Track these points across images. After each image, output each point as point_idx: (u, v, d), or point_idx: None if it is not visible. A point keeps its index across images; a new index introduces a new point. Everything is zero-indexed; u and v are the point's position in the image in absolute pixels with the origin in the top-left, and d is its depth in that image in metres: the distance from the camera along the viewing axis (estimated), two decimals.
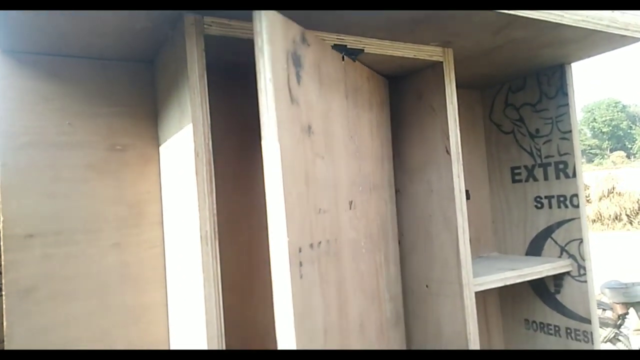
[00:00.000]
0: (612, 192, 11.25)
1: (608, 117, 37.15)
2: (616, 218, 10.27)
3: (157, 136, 0.87)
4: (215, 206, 0.67)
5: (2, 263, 0.74)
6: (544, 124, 1.17)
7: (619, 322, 3.09)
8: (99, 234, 0.81)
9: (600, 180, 11.80)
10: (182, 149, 0.71)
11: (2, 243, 0.74)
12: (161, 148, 0.85)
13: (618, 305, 3.08)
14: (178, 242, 0.78)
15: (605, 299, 3.09)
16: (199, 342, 0.68)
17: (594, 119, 37.58)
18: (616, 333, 3.08)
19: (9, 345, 0.74)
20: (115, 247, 0.82)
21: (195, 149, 0.66)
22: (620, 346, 3.01)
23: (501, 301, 1.32)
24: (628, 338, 3.12)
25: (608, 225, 10.16)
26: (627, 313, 3.10)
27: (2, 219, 0.74)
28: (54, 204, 0.78)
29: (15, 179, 0.75)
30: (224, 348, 0.67)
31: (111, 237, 0.82)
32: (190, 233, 0.69)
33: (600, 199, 11.07)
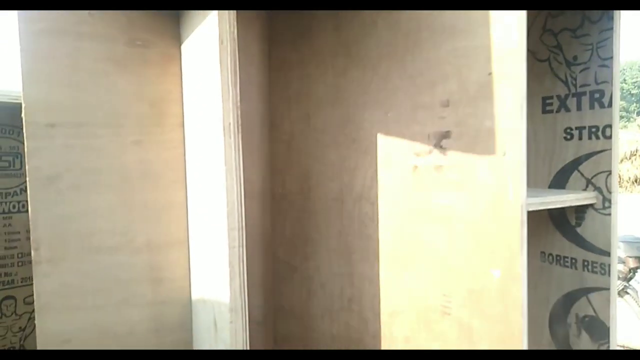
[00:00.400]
0: (635, 155, 10.98)
1: (639, 79, 35.69)
2: (635, 181, 10.09)
3: (178, 36, 0.84)
4: (238, 98, 0.65)
5: (25, 150, 0.74)
6: (583, 51, 1.10)
7: (629, 276, 3.10)
8: (120, 129, 0.80)
9: (623, 142, 11.50)
10: (206, 40, 0.68)
11: (24, 130, 0.74)
12: (182, 47, 0.83)
13: (631, 259, 3.08)
14: (199, 141, 0.77)
15: (620, 252, 3.09)
16: (219, 237, 0.68)
17: (624, 79, 36.16)
18: (625, 286, 3.09)
19: (34, 233, 0.76)
20: (136, 144, 0.82)
21: (219, 35, 0.63)
22: (628, 299, 3.03)
23: None
24: (637, 292, 3.13)
25: (626, 188, 10.01)
26: (638, 267, 3.10)
27: (24, 105, 0.73)
28: (75, 94, 0.77)
29: (35, 66, 0.74)
30: (244, 242, 0.67)
31: (132, 133, 0.81)
32: (213, 126, 0.68)
33: (622, 160, 10.84)
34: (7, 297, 1.33)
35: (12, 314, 1.34)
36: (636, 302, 3.00)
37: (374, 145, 0.77)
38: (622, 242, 3.05)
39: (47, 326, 0.77)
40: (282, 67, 0.79)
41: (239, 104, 0.65)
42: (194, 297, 0.87)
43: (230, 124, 0.65)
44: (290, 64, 0.76)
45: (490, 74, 0.70)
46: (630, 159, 10.77)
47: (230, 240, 0.66)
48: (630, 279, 3.12)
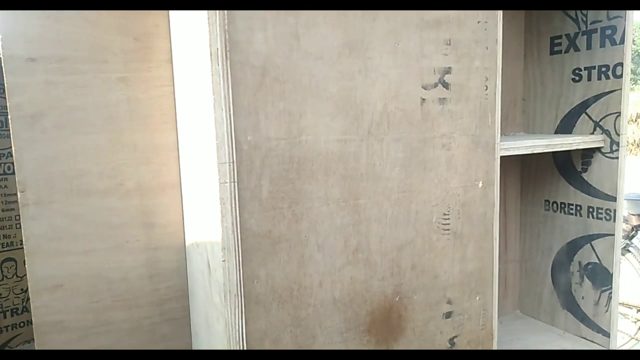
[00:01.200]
0: None
1: None
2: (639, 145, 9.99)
3: None
4: (226, 22, 0.61)
5: (6, 86, 0.70)
6: None
7: (631, 234, 3.09)
8: (105, 65, 0.76)
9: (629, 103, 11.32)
10: None
11: (3, 65, 0.70)
12: None
13: (634, 217, 3.06)
14: (187, 74, 0.73)
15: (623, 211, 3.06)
16: (210, 174, 0.65)
17: (633, 40, 35.40)
18: (627, 244, 3.09)
19: (19, 174, 0.73)
20: (122, 81, 0.78)
21: None
22: (629, 257, 3.03)
23: (522, 184, 1.28)
24: (639, 250, 3.13)
25: (631, 150, 9.92)
26: None
27: (1, 37, 0.69)
28: (56, 27, 0.72)
29: None
30: (236, 177, 0.64)
31: (117, 70, 0.77)
32: (199, 54, 0.64)
33: (628, 123, 10.70)
34: (7, 259, 1.32)
35: (13, 275, 1.33)
36: (638, 260, 3.00)
37: (383, 78, 0.73)
38: (626, 199, 3.03)
39: (37, 270, 0.76)
40: None
41: (227, 27, 0.61)
42: (187, 242, 0.85)
43: (217, 49, 0.60)
44: None
45: (479, 22, 0.81)
46: (635, 121, 10.64)
47: (221, 176, 0.63)
48: (633, 237, 3.11)
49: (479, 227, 0.86)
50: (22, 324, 1.33)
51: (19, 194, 0.73)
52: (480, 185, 0.85)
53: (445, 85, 0.79)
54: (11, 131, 0.72)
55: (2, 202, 1.31)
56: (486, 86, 0.83)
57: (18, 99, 0.71)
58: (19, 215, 1.30)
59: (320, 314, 0.73)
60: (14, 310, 1.34)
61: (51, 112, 0.74)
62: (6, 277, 1.32)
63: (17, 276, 1.34)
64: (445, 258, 0.83)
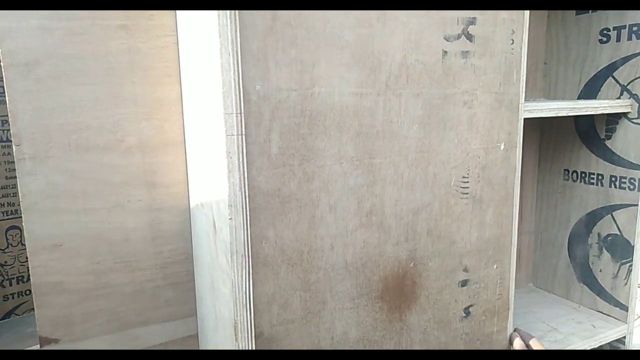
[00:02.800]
0: None
1: None
2: None
3: None
4: None
5: None
6: None
7: None
8: (103, 11, 0.71)
9: None
10: None
11: None
12: None
13: None
14: (192, 21, 0.68)
15: None
16: (216, 126, 0.61)
17: None
18: None
19: (14, 126, 0.68)
20: (122, 28, 0.72)
21: None
22: None
23: (540, 152, 1.23)
24: None
25: None
26: None
27: None
28: None
29: None
30: (244, 130, 0.59)
31: (117, 16, 0.72)
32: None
33: None
34: (11, 227, 1.30)
35: (18, 243, 1.31)
36: None
37: (403, 27, 0.68)
38: None
39: (34, 228, 0.72)
40: None
41: None
42: (192, 203, 0.81)
43: None
44: None
45: None
46: None
47: (228, 127, 0.58)
48: None
49: (499, 192, 0.81)
50: (27, 292, 1.31)
51: (14, 147, 0.69)
52: (503, 147, 0.80)
53: (469, 37, 0.73)
54: (5, 80, 0.67)
55: (6, 169, 1.27)
56: (512, 40, 0.77)
57: (11, 45, 0.67)
58: None
59: (331, 278, 0.69)
60: (20, 278, 1.32)
61: (46, 61, 0.69)
62: (11, 244, 1.30)
63: (21, 244, 1.32)
64: (462, 223, 0.79)
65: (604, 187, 1.09)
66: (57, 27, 0.69)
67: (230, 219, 0.61)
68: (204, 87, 0.65)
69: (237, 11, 0.56)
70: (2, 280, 1.29)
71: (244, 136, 0.60)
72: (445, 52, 0.72)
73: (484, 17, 0.74)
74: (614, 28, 1.02)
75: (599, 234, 1.11)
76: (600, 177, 1.09)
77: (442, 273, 0.78)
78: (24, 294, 1.32)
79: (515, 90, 0.79)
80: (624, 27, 1.00)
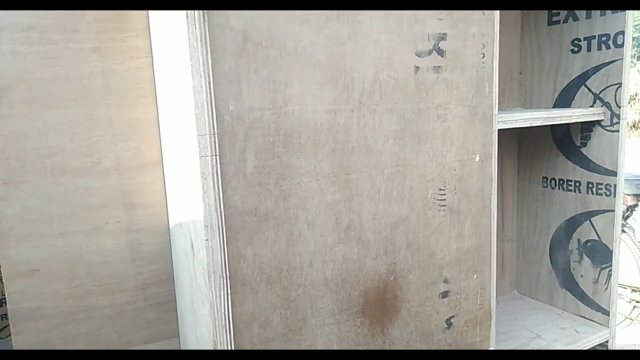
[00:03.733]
0: (634, 99, 10.84)
1: None
2: (634, 126, 10.00)
3: None
4: None
5: None
6: None
7: (627, 214, 3.08)
8: (77, 35, 0.71)
9: None
10: None
11: None
12: None
13: (629, 197, 3.05)
14: (164, 42, 0.68)
15: None
16: (190, 148, 0.61)
17: None
18: (622, 224, 3.08)
19: None
20: (96, 51, 0.72)
21: None
22: (624, 237, 3.02)
23: (519, 161, 1.24)
24: (634, 230, 3.12)
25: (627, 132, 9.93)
26: (636, 205, 3.07)
27: None
28: None
29: None
30: (217, 151, 0.59)
31: (90, 39, 0.72)
32: (176, 17, 0.59)
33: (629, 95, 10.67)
34: None
35: None
36: (633, 240, 2.99)
37: (374, 44, 0.69)
38: None
39: (11, 254, 0.71)
40: None
41: None
42: (171, 223, 0.81)
43: (195, 12, 0.56)
44: None
45: None
46: (629, 103, 10.64)
47: (201, 149, 0.59)
48: (628, 217, 3.10)
49: (476, 203, 0.82)
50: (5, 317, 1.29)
51: None
52: (478, 159, 0.81)
53: (440, 53, 0.74)
54: None
55: None
56: (483, 54, 0.78)
57: None
58: None
59: (311, 295, 0.70)
60: (2, 300, 1.30)
61: (19, 86, 0.69)
62: None
63: None
64: (441, 235, 0.79)
65: (581, 194, 1.10)
66: (29, 51, 0.69)
67: (206, 240, 0.61)
68: (178, 108, 0.65)
69: (207, 33, 0.57)
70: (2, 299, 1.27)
71: (218, 157, 0.60)
72: (418, 67, 0.73)
73: (454, 32, 0.75)
74: (585, 38, 1.04)
75: (578, 240, 1.13)
76: (577, 184, 1.11)
77: (422, 285, 0.79)
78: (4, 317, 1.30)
79: (488, 102, 0.80)
80: (594, 37, 1.03)
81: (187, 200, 0.68)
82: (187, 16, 0.56)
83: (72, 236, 0.74)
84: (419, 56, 0.73)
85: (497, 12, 0.79)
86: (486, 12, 0.77)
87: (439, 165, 0.77)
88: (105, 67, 0.73)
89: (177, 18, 0.59)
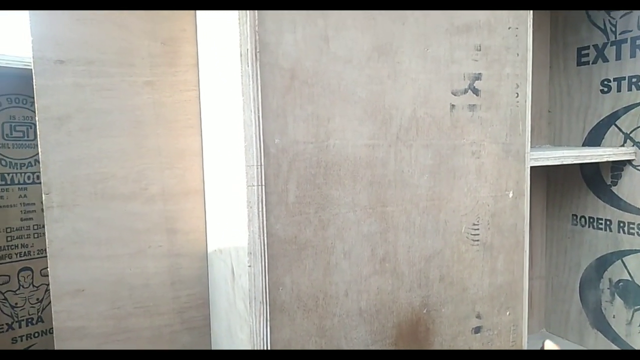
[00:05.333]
0: None
1: None
2: None
3: None
4: (257, 22, 0.60)
5: (35, 88, 0.70)
6: None
7: None
8: (132, 69, 0.76)
9: None
10: None
11: (32, 67, 0.70)
12: None
13: None
14: (215, 78, 0.73)
15: None
16: (237, 177, 0.64)
17: None
18: None
19: (45, 176, 0.72)
20: (148, 84, 0.77)
21: None
22: None
23: (548, 198, 1.25)
24: None
25: None
26: None
27: (31, 39, 0.70)
28: (85, 30, 0.73)
29: None
30: (263, 181, 0.63)
31: (144, 73, 0.77)
32: (229, 56, 0.63)
33: None
34: (24, 269, 1.32)
35: (29, 285, 1.33)
36: None
37: (412, 83, 0.72)
38: None
39: (59, 274, 0.75)
40: None
41: (257, 28, 0.60)
42: (210, 249, 0.83)
43: (248, 50, 0.60)
44: None
45: (509, 28, 0.80)
46: None
47: (249, 179, 0.62)
48: None
49: (509, 239, 0.83)
50: (36, 334, 1.32)
51: (43, 196, 0.72)
52: (511, 195, 0.82)
53: (475, 92, 0.77)
54: (38, 133, 0.72)
55: (22, 211, 1.31)
56: (517, 93, 0.81)
57: (46, 101, 0.71)
58: (37, 225, 1.31)
59: (346, 325, 0.71)
60: (29, 320, 1.33)
61: (78, 115, 0.74)
62: (22, 286, 1.32)
63: (33, 285, 1.34)
64: (474, 270, 0.80)
65: (612, 233, 1.10)
66: (88, 83, 0.74)
67: (249, 266, 0.63)
68: (225, 139, 0.69)
69: (258, 71, 0.61)
70: (12, 322, 1.30)
71: (263, 186, 0.63)
72: (453, 105, 0.76)
73: (489, 73, 0.78)
74: (614, 79, 1.06)
75: (610, 279, 1.12)
76: (608, 223, 1.11)
77: (455, 320, 0.79)
78: (32, 336, 1.32)
79: (522, 140, 0.82)
80: (624, 78, 1.04)
81: (230, 228, 0.70)
82: (240, 55, 0.60)
83: (117, 259, 0.78)
84: (454, 95, 0.76)
85: (530, 54, 0.82)
86: (520, 54, 0.80)
87: (473, 201, 0.79)
88: (157, 99, 0.78)
89: (230, 56, 0.63)
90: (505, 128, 0.80)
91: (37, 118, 0.71)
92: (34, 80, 0.70)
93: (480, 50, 0.77)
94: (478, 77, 0.77)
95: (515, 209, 0.83)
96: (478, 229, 0.80)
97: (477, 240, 0.80)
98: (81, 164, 0.74)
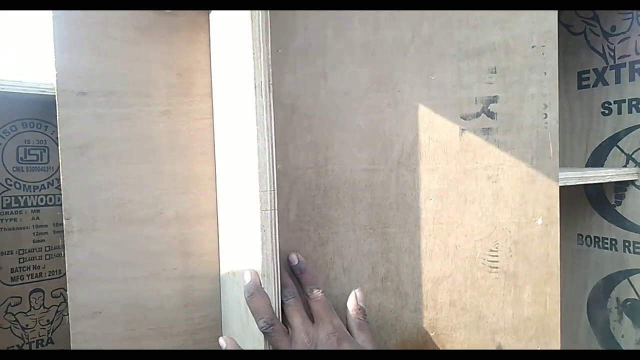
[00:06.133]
0: None
1: None
2: None
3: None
4: (270, 57, 0.64)
5: (58, 118, 0.74)
6: (621, 20, 1.06)
7: None
8: (149, 99, 0.80)
9: None
10: None
11: (56, 98, 0.74)
12: (212, 14, 0.82)
13: None
14: (229, 108, 0.76)
15: None
16: (251, 202, 0.67)
17: None
18: None
19: (66, 202, 0.75)
20: (164, 114, 0.81)
21: None
22: None
23: None
24: None
25: None
26: None
27: (56, 72, 0.73)
28: (105, 63, 0.76)
29: (67, 32, 0.74)
30: (276, 205, 0.65)
31: (161, 103, 0.80)
32: (243, 88, 0.67)
33: None
34: (35, 290, 1.34)
35: (40, 306, 1.35)
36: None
37: (414, 109, 0.75)
38: None
39: (78, 297, 0.77)
40: (282, 15, 0.72)
41: (270, 62, 0.64)
42: (222, 271, 0.86)
43: (262, 82, 0.63)
44: (294, 13, 0.72)
45: (533, 47, 0.77)
46: None
47: (262, 204, 0.65)
48: None
49: (538, 269, 0.79)
50: None
51: (64, 221, 0.75)
52: (540, 222, 0.79)
53: (490, 115, 0.77)
54: (60, 161, 0.75)
55: (34, 233, 1.34)
56: (545, 114, 0.78)
57: (68, 130, 0.75)
58: (49, 247, 1.33)
59: None
60: (40, 341, 1.35)
61: (97, 143, 0.77)
62: (34, 307, 1.34)
63: (44, 307, 1.36)
64: (493, 298, 0.79)
65: (618, 252, 1.11)
66: (108, 113, 0.77)
67: (263, 287, 0.65)
68: (239, 166, 0.72)
69: (272, 102, 0.64)
70: (23, 344, 1.32)
71: (276, 211, 0.66)
72: (463, 129, 0.77)
73: (507, 95, 0.77)
74: (615, 102, 1.09)
75: (617, 299, 1.12)
76: (613, 242, 1.12)
77: (469, 347, 0.80)
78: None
79: (553, 164, 0.79)
80: (624, 101, 1.07)
81: (243, 250, 0.73)
82: (255, 87, 0.63)
83: (132, 281, 0.80)
84: (465, 119, 0.77)
85: (556, 73, 0.80)
86: (548, 72, 0.78)
87: (490, 226, 0.78)
88: (172, 128, 0.81)
89: (244, 88, 0.66)
90: (531, 151, 0.78)
91: (59, 147, 0.74)
92: (57, 111, 0.74)
93: (495, 72, 0.77)
94: (493, 100, 0.77)
95: (545, 236, 0.79)
96: (497, 256, 0.79)
97: (497, 268, 0.79)
98: (100, 189, 0.77)
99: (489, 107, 0.77)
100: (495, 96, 0.77)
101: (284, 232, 0.69)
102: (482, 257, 0.79)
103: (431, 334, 0.77)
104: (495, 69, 0.77)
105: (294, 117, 0.69)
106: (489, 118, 0.77)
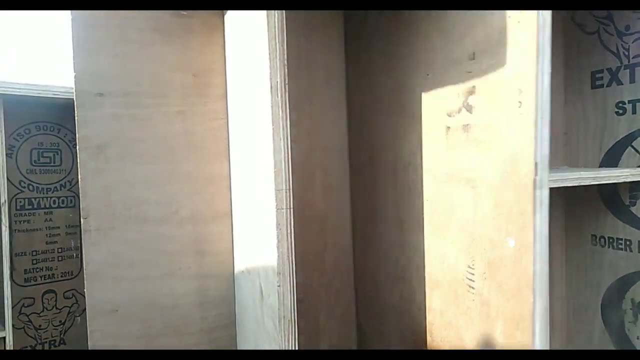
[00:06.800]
0: None
1: None
2: None
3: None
4: (285, 57, 0.64)
5: (76, 119, 0.75)
6: (636, 19, 1.05)
7: None
8: (165, 99, 0.81)
9: None
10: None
11: (75, 99, 0.75)
12: (226, 16, 0.83)
13: None
14: (244, 108, 0.77)
15: None
16: (266, 201, 0.67)
17: None
18: None
19: (84, 201, 0.77)
20: (180, 114, 0.82)
21: None
22: None
23: (566, 217, 1.26)
24: None
25: None
26: None
27: (74, 74, 0.75)
28: (122, 64, 0.78)
29: (85, 34, 0.75)
30: (292, 204, 0.66)
31: (176, 104, 0.81)
32: (259, 87, 0.67)
33: None
34: (48, 291, 1.36)
35: (52, 307, 1.37)
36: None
37: (419, 109, 0.75)
38: None
39: (95, 295, 0.78)
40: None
41: (285, 62, 0.64)
42: (237, 270, 0.86)
43: (277, 82, 0.64)
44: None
45: (509, 17, 0.59)
46: None
47: (278, 202, 0.65)
48: None
49: (511, 302, 0.62)
50: None
51: (82, 220, 0.76)
52: (513, 244, 0.62)
53: (469, 109, 0.66)
54: (78, 161, 0.76)
55: (47, 234, 1.36)
56: (519, 102, 0.60)
57: (86, 131, 0.76)
58: (62, 248, 1.35)
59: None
60: (52, 342, 1.37)
61: (115, 143, 0.78)
62: (46, 308, 1.35)
63: (56, 308, 1.37)
64: (470, 322, 0.69)
65: (633, 253, 1.10)
66: (125, 114, 0.79)
67: (278, 285, 0.66)
68: (254, 165, 0.73)
69: (287, 100, 0.65)
70: (35, 344, 1.33)
71: (292, 209, 0.66)
72: (448, 127, 0.70)
73: (483, 83, 0.64)
74: (629, 101, 1.08)
75: (632, 300, 1.11)
76: (628, 243, 1.11)
77: None
78: None
79: (528, 168, 0.63)
80: (639, 100, 1.06)
81: (258, 249, 0.73)
82: (270, 87, 0.64)
83: (149, 280, 0.81)
84: (449, 116, 0.70)
85: (544, 48, 0.58)
86: (522, 46, 0.58)
87: (468, 238, 0.69)
88: (188, 128, 0.82)
89: (260, 88, 0.67)
90: (506, 152, 0.62)
91: (77, 147, 0.76)
92: (75, 112, 0.75)
93: (474, 58, 0.64)
94: (472, 90, 0.66)
95: (517, 264, 0.61)
96: (473, 274, 0.68)
97: (473, 288, 0.68)
98: (117, 189, 0.78)
99: (468, 100, 0.65)
100: (474, 86, 0.64)
101: (359, 215, 0.75)
102: (464, 271, 0.69)
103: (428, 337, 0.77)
104: (474, 54, 0.64)
105: (359, 123, 0.72)
106: (468, 113, 0.65)
